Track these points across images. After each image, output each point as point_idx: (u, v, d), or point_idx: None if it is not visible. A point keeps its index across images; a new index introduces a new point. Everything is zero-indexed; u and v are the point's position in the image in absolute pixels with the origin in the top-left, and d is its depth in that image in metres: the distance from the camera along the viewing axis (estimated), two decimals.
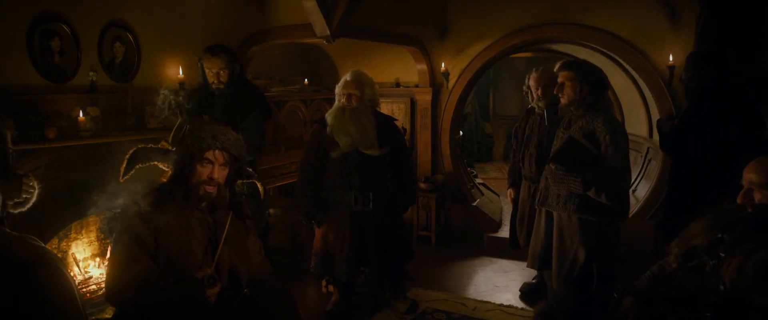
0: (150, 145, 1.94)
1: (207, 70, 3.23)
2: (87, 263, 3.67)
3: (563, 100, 2.97)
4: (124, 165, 1.90)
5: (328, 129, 3.21)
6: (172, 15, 3.83)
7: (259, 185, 2.13)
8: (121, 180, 1.87)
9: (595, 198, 2.77)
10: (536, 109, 3.64)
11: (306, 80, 5.51)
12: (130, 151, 1.92)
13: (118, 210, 1.92)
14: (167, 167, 1.96)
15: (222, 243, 1.92)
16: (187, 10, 3.91)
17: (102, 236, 3.82)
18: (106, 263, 1.88)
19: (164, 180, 2.00)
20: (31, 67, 3.07)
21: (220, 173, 1.96)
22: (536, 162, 3.58)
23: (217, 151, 1.94)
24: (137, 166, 1.91)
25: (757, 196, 1.79)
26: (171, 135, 3.24)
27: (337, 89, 3.26)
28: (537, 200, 3.08)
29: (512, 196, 3.94)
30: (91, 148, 3.27)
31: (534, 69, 3.63)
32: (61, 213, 3.15)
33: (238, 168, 2.04)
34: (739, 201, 1.84)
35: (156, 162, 1.95)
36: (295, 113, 5.33)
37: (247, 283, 2.07)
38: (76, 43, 3.27)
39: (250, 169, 2.12)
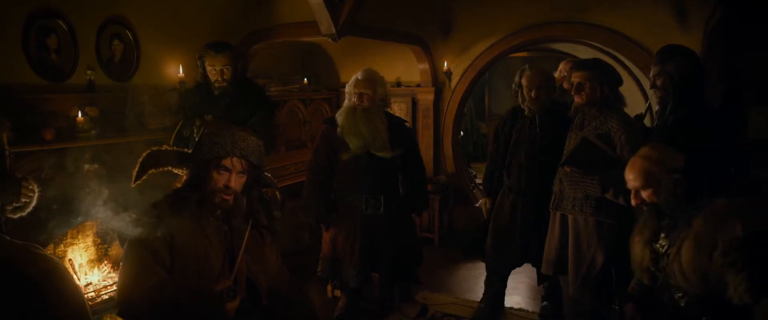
0: (164, 148, 1.83)
1: (209, 68, 3.10)
2: (84, 268, 3.54)
3: (579, 100, 2.90)
4: (137, 169, 1.79)
5: (338, 129, 3.11)
6: (172, 12, 3.70)
7: (276, 193, 2.02)
8: (133, 185, 1.76)
9: (612, 200, 2.71)
10: (526, 112, 3.24)
11: (305, 80, 5.40)
12: (144, 155, 1.81)
13: (129, 218, 1.81)
14: (182, 172, 1.85)
15: (242, 253, 1.81)
16: (188, 7, 3.78)
17: (99, 240, 3.69)
18: (118, 274, 1.76)
19: (179, 185, 1.89)
20: (26, 65, 2.94)
21: (237, 181, 1.85)
22: (528, 174, 3.19)
23: (235, 159, 1.83)
24: (150, 171, 1.79)
25: (644, 195, 1.93)
26: (172, 136, 3.13)
27: (348, 88, 3.15)
28: (551, 204, 3.00)
29: (487, 206, 3.48)
30: (89, 149, 3.13)
31: (527, 67, 3.26)
32: (59, 217, 3.01)
33: (256, 175, 1.92)
34: (633, 203, 1.98)
35: (170, 167, 1.83)
36: (294, 113, 5.22)
37: (266, 294, 1.96)
38: (73, 41, 3.14)
39: (269, 175, 2.01)
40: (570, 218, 2.89)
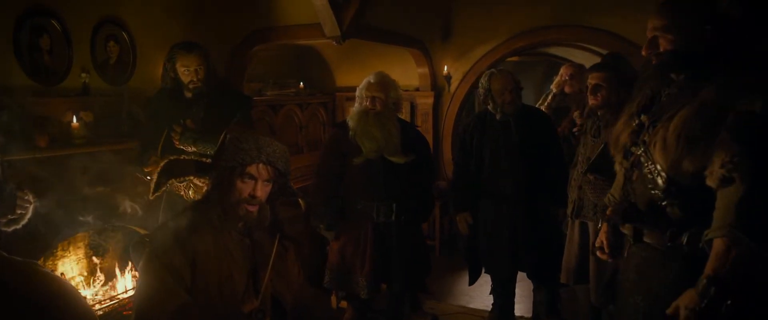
0: (182, 157, 1.68)
1: (182, 69, 2.90)
2: (77, 283, 3.34)
3: (594, 102, 2.84)
4: (155, 180, 1.64)
5: (350, 133, 2.98)
6: (169, 12, 3.54)
7: (300, 202, 1.89)
8: (151, 197, 1.61)
9: None
10: (498, 116, 3.14)
11: (301, 84, 5.27)
12: (161, 164, 1.66)
13: (144, 233, 1.66)
14: (203, 183, 1.71)
15: (269, 271, 1.67)
16: (186, 8, 3.63)
17: (91, 253, 3.50)
18: (134, 295, 1.61)
19: (197, 197, 1.74)
20: (17, 67, 2.75)
21: (262, 190, 1.71)
22: (514, 180, 3.09)
23: (260, 165, 1.69)
24: (171, 182, 1.65)
25: (662, 44, 1.62)
26: (159, 146, 2.96)
27: (359, 91, 3.04)
28: (570, 212, 2.92)
29: (469, 221, 3.27)
30: (84, 156, 2.96)
31: (495, 70, 3.18)
32: (53, 228, 2.83)
33: (282, 184, 1.79)
34: (643, 53, 1.68)
35: (191, 178, 1.69)
36: (291, 118, 5.09)
37: (291, 311, 1.83)
38: (67, 42, 2.96)
39: (291, 185, 1.88)
40: (591, 225, 2.82)
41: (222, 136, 1.71)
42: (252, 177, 1.69)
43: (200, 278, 1.61)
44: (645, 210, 1.68)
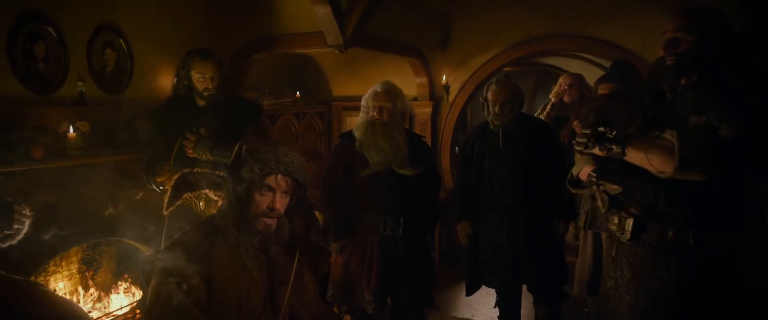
0: (196, 170, 1.59)
1: (198, 76, 2.81)
2: (70, 299, 3.20)
3: None
4: (169, 194, 1.55)
5: (356, 144, 2.90)
6: (167, 19, 3.45)
7: (318, 215, 1.81)
8: (166, 213, 1.52)
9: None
10: (491, 126, 3.13)
11: (297, 93, 5.19)
12: (175, 178, 1.57)
13: (138, 245, 1.57)
14: (218, 196, 1.62)
15: (289, 290, 1.59)
16: (184, 14, 3.54)
17: (84, 268, 3.37)
18: (145, 317, 1.51)
19: (212, 211, 1.65)
20: (11, 74, 2.64)
21: (281, 202, 1.64)
22: (513, 190, 3.06)
23: (279, 176, 1.62)
24: (185, 196, 1.56)
25: (683, 45, 1.67)
26: (172, 156, 2.84)
27: (365, 101, 2.96)
28: (583, 223, 2.87)
29: (469, 232, 3.23)
30: (78, 168, 2.84)
31: (494, 80, 3.15)
32: (46, 243, 2.70)
33: (300, 195, 1.71)
34: (661, 52, 1.72)
35: (207, 191, 1.60)
36: (288, 128, 5.00)
37: None
38: (63, 49, 2.85)
39: (309, 197, 1.80)
40: (603, 236, 2.77)
41: (237, 147, 1.62)
42: (271, 188, 1.61)
43: (217, 297, 1.52)
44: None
